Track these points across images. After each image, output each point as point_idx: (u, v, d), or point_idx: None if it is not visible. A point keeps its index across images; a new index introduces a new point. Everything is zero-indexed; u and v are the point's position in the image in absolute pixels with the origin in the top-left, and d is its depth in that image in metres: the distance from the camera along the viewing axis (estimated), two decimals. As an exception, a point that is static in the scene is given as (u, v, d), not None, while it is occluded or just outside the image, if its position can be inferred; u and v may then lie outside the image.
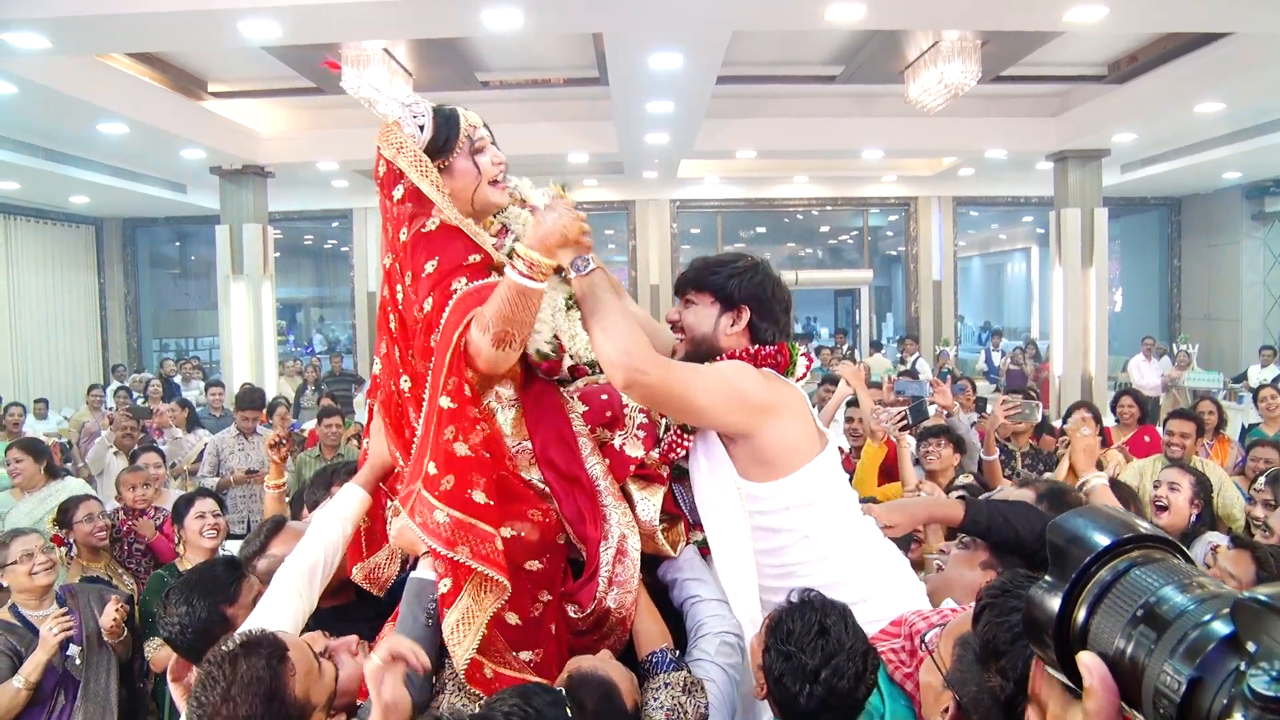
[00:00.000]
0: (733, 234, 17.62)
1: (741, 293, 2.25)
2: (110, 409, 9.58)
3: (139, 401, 10.43)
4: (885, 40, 8.57)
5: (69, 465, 7.55)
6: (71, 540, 4.31)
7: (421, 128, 2.13)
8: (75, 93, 8.22)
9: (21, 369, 13.93)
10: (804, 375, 2.36)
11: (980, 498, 2.92)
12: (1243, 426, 8.55)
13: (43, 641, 3.30)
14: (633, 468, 2.17)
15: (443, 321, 1.99)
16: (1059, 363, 12.10)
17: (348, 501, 2.19)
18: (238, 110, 10.84)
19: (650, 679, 1.94)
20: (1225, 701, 0.60)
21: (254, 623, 1.89)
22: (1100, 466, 4.72)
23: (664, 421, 2.34)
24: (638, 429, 2.19)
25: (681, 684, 1.89)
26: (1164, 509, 3.89)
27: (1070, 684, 0.75)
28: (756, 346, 2.26)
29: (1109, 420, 7.12)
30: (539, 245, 1.99)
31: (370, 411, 2.41)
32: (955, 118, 10.46)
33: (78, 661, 3.44)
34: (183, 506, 4.05)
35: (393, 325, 2.15)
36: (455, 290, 2.01)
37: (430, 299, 2.01)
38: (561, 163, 12.27)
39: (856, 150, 12.48)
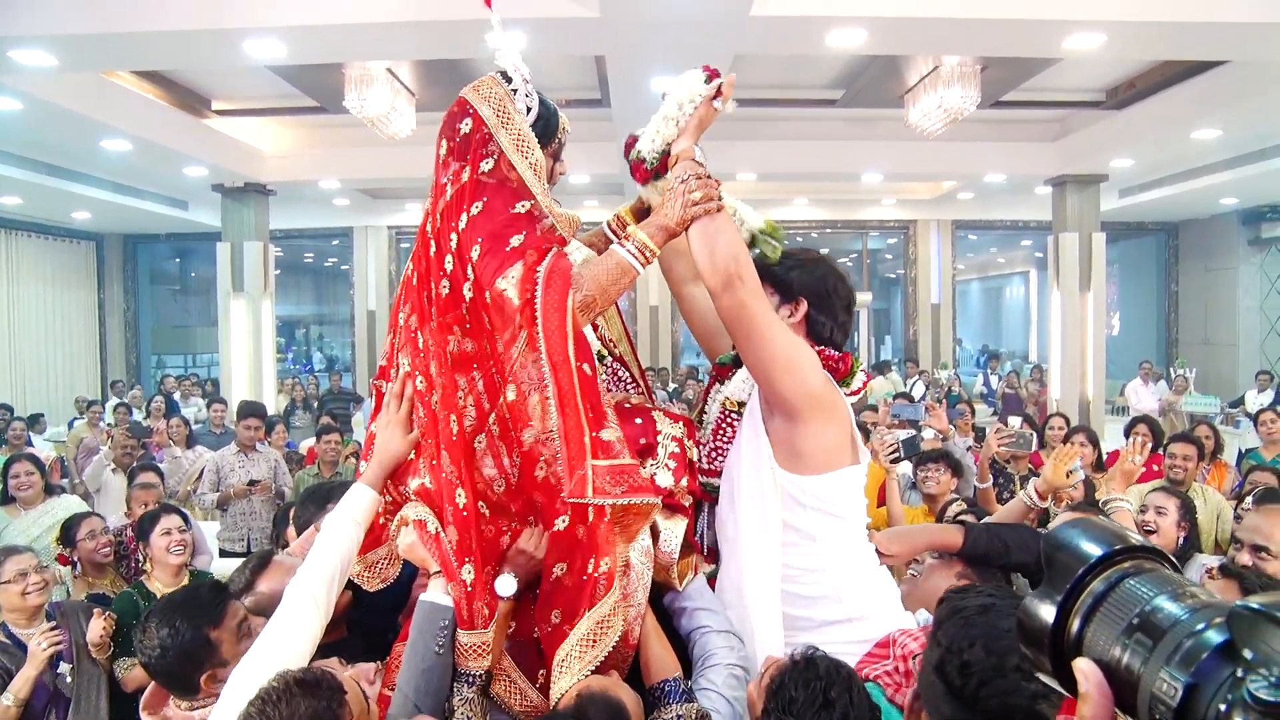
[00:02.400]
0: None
1: (800, 285, 2.26)
2: (108, 425, 9.58)
3: (143, 420, 10.42)
4: (885, 65, 8.63)
5: (64, 482, 7.53)
6: (76, 559, 4.30)
7: (529, 109, 2.09)
8: (80, 109, 8.26)
9: (20, 384, 13.92)
10: (858, 391, 2.34)
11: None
12: (1240, 451, 8.55)
13: (31, 656, 3.26)
14: (660, 499, 2.11)
15: (539, 290, 1.91)
16: (1057, 386, 12.13)
17: (357, 503, 2.06)
18: (240, 128, 10.90)
19: (660, 709, 1.90)
20: (1224, 707, 0.61)
21: (272, 638, 1.83)
22: (1092, 489, 4.76)
23: (702, 435, 2.36)
24: (669, 458, 2.15)
25: (693, 717, 1.87)
26: (1152, 533, 3.91)
27: (1065, 691, 0.76)
28: (820, 347, 2.25)
29: (1113, 443, 7.16)
30: (663, 234, 2.04)
31: (377, 399, 2.25)
32: (954, 142, 10.52)
33: (68, 679, 3.39)
34: (147, 524, 3.96)
35: (444, 290, 2.02)
36: (512, 244, 1.93)
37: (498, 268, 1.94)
38: (563, 183, 12.27)
39: (856, 174, 12.53)
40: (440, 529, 1.96)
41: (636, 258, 2.02)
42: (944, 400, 11.15)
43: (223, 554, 6.19)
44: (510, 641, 2.02)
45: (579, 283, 1.94)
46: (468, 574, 1.90)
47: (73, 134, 9.22)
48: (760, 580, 2.14)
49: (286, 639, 1.82)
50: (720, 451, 2.30)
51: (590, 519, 1.91)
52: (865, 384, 2.36)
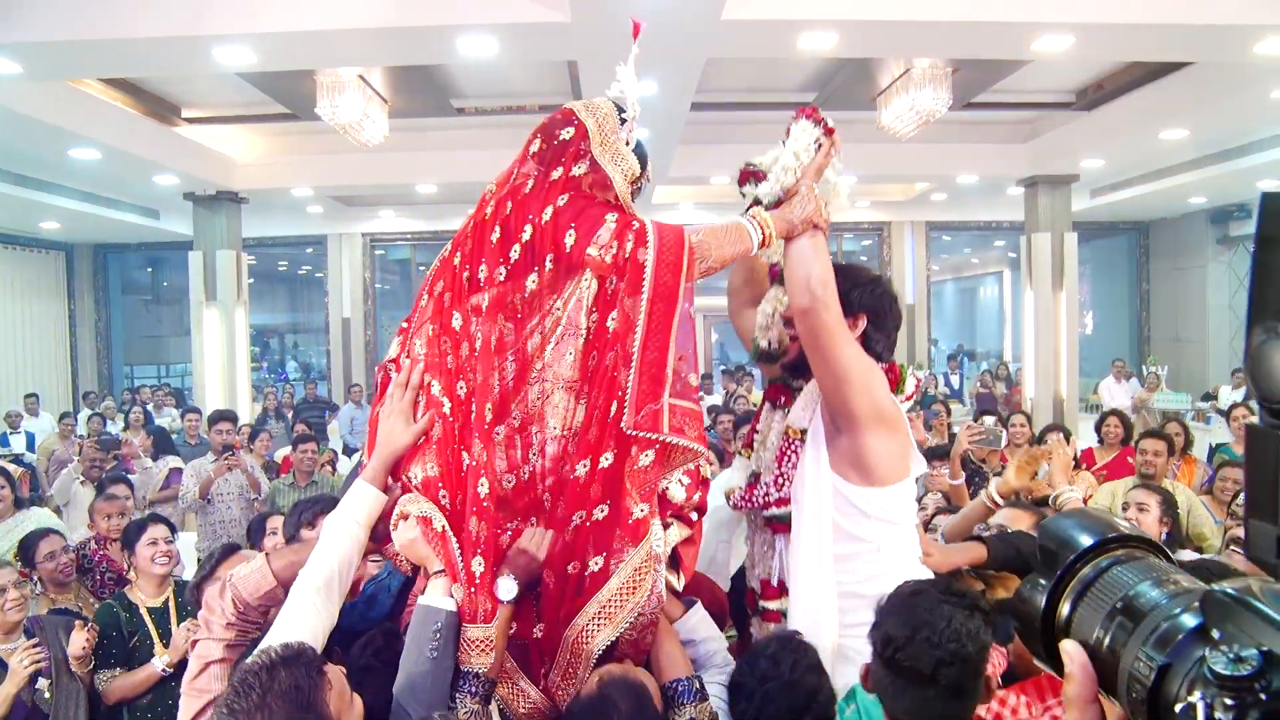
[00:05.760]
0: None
1: (862, 302, 2.36)
2: (81, 437, 9.49)
3: (118, 430, 10.36)
4: (857, 68, 8.67)
5: (35, 494, 7.46)
6: (37, 578, 4.23)
7: (628, 142, 2.21)
8: (47, 118, 8.17)
9: (-11, 396, 13.75)
10: (911, 396, 2.46)
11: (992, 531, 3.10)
12: (1210, 447, 8.65)
13: (12, 673, 3.22)
14: (670, 514, 2.13)
15: (652, 234, 1.99)
16: (1031, 385, 12.21)
17: (359, 502, 2.01)
18: (212, 136, 10.82)
19: (674, 709, 1.91)
20: (1189, 685, 0.63)
21: (273, 639, 1.81)
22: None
23: (766, 461, 2.43)
24: (683, 474, 2.14)
25: (707, 717, 1.90)
26: (1133, 530, 3.95)
27: (1054, 672, 0.79)
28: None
29: (1086, 441, 7.22)
30: (783, 224, 2.17)
31: (382, 387, 2.21)
32: (927, 144, 10.58)
33: (46, 695, 3.36)
34: (134, 533, 3.92)
35: (499, 276, 2.08)
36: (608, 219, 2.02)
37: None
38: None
39: (829, 176, 12.55)
40: (447, 526, 1.94)
41: (753, 228, 2.14)
42: (919, 403, 11.20)
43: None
44: (510, 643, 2.00)
45: (695, 229, 2.06)
46: (478, 566, 1.90)
47: (40, 143, 9.11)
48: (821, 592, 2.23)
49: (290, 640, 1.78)
50: (788, 478, 2.36)
51: (648, 456, 1.97)
52: (917, 388, 2.51)
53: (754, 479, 2.49)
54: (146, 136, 9.67)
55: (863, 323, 2.35)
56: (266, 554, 2.17)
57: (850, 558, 2.22)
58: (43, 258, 15.37)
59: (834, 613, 2.20)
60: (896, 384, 2.37)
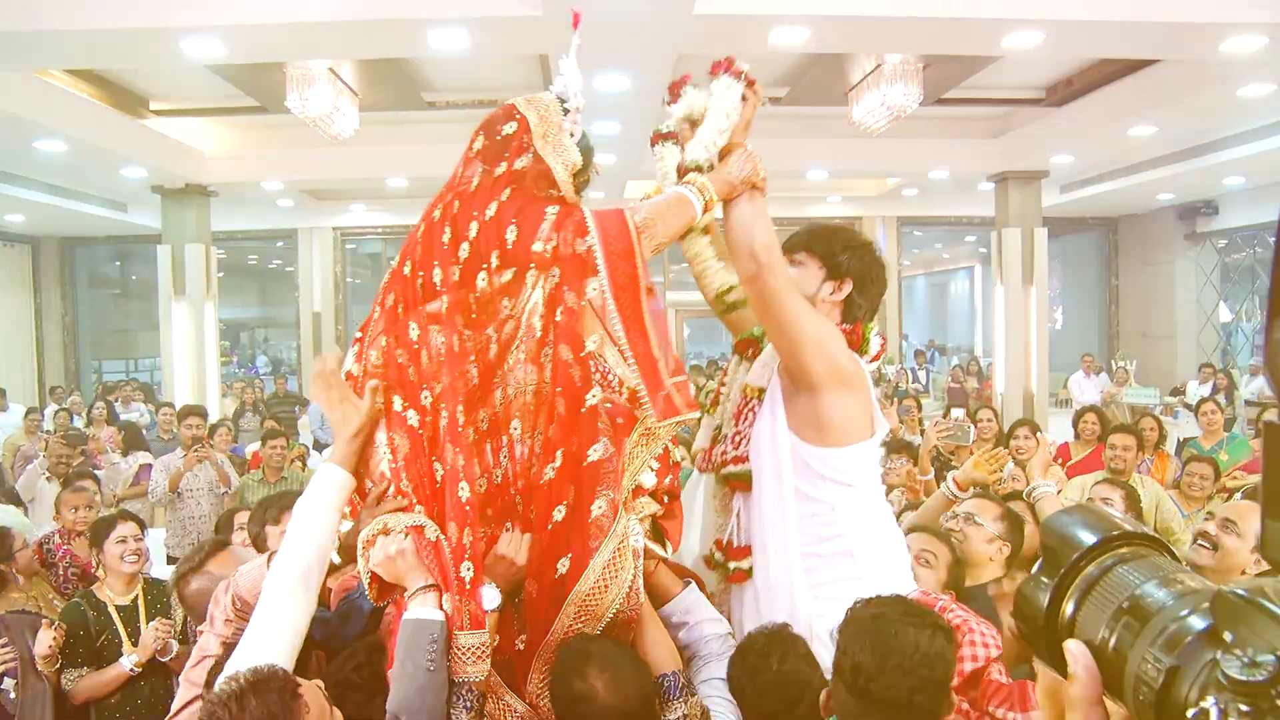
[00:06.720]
0: (679, 254, 17.65)
1: (850, 266, 2.34)
2: (47, 432, 9.38)
3: (84, 426, 10.23)
4: (829, 63, 8.69)
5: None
6: (15, 571, 4.16)
7: (571, 134, 2.17)
8: (11, 109, 8.02)
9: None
10: (877, 356, 2.42)
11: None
12: (1178, 441, 8.75)
13: None
14: (641, 498, 2.12)
15: (594, 222, 1.97)
16: (1001, 380, 12.29)
17: (329, 486, 1.93)
18: (180, 129, 10.68)
19: (665, 705, 1.89)
20: (1199, 689, 0.62)
21: (252, 635, 1.77)
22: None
23: (725, 418, 2.42)
24: (653, 459, 2.12)
25: (700, 713, 1.89)
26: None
27: (1056, 673, 0.78)
28: (841, 324, 2.33)
29: (1054, 435, 7.29)
30: (723, 186, 2.14)
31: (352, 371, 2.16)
32: (898, 139, 10.61)
33: (12, 695, 3.32)
34: (102, 530, 3.84)
35: (454, 277, 2.05)
36: (549, 213, 2.00)
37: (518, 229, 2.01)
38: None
39: (801, 171, 12.60)
40: (441, 534, 1.91)
41: (694, 196, 2.11)
42: (893, 396, 11.27)
43: (170, 561, 6.07)
44: (493, 657, 1.95)
45: (635, 209, 2.02)
46: (467, 572, 1.87)
47: (4, 135, 8.94)
48: (786, 552, 2.22)
49: (269, 636, 1.75)
50: (744, 436, 2.35)
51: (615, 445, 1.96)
52: (883, 348, 2.47)
53: (717, 433, 2.48)
54: (113, 129, 9.52)
55: (848, 286, 2.34)
56: (269, 553, 2.15)
57: (808, 518, 2.22)
58: (8, 251, 15.15)
59: (803, 574, 2.20)
60: (859, 344, 2.34)
